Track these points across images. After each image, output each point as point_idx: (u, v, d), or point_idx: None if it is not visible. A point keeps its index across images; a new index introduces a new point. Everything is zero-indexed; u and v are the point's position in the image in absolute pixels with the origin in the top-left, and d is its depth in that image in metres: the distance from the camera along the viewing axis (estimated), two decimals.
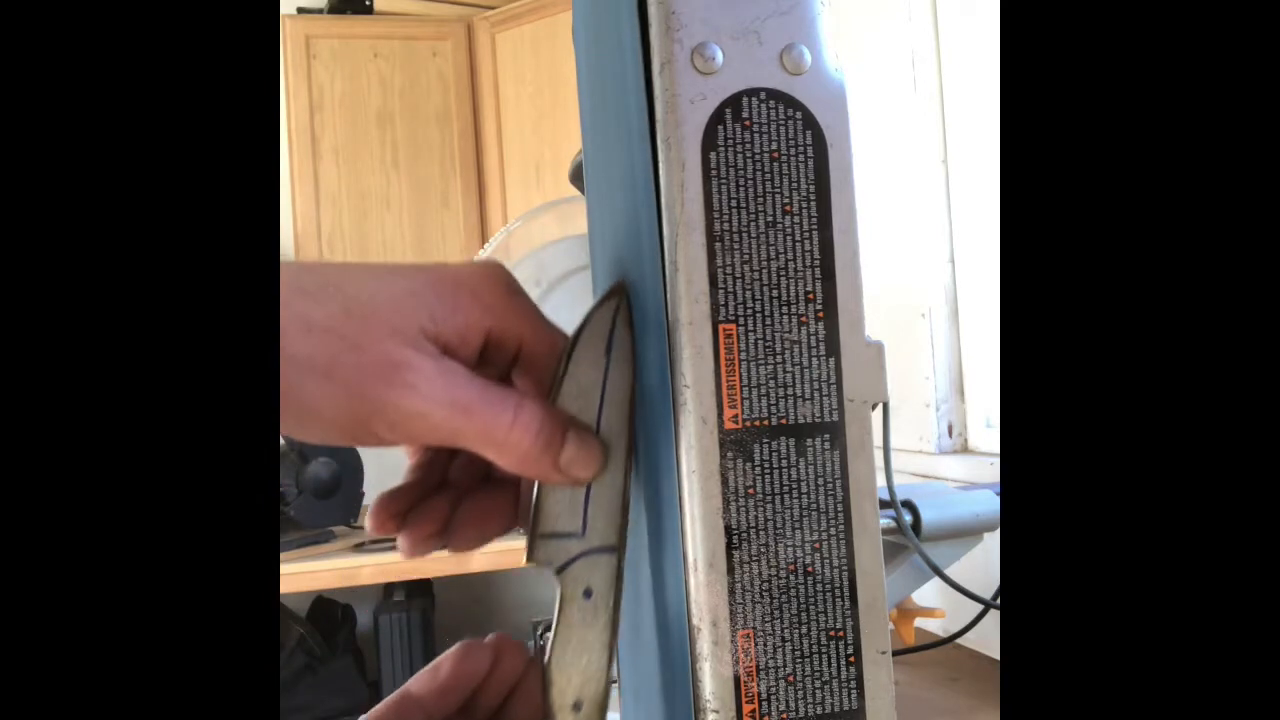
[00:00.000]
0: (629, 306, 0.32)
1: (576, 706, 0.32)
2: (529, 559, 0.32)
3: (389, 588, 2.20)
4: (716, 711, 0.29)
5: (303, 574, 1.87)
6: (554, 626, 0.32)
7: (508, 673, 0.34)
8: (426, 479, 0.35)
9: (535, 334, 0.32)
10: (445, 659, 0.34)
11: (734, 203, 0.29)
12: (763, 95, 0.30)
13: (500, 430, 0.30)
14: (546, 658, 0.32)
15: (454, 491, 0.35)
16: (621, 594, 0.32)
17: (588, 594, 0.32)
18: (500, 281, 0.32)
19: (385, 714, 0.33)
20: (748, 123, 0.29)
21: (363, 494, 2.09)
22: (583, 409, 0.32)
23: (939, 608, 0.85)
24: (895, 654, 0.31)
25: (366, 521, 0.34)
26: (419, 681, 0.34)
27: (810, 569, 0.29)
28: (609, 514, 0.32)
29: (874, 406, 0.30)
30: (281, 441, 1.99)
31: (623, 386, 0.32)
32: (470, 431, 0.30)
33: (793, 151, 0.30)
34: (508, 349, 0.32)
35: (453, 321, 0.30)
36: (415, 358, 0.29)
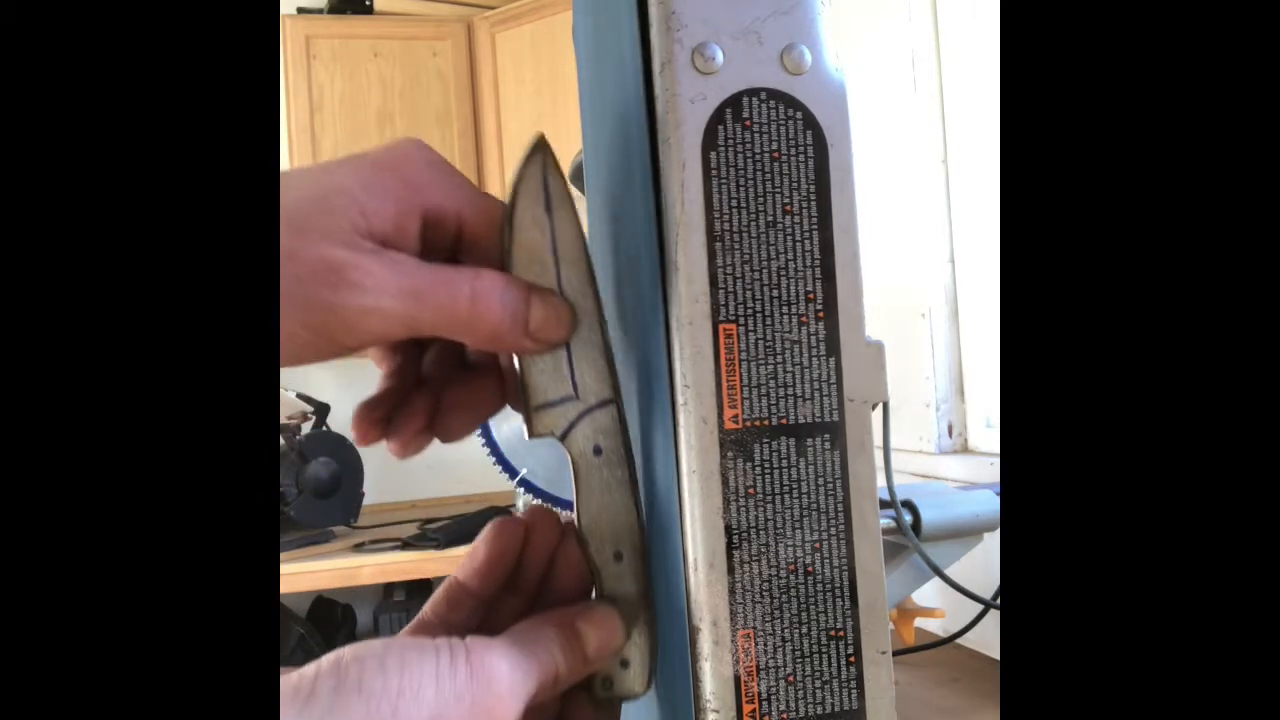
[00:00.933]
0: (553, 156, 0.32)
1: (618, 557, 0.32)
2: (531, 434, 0.32)
3: (389, 588, 2.20)
4: (717, 711, 0.29)
5: (303, 574, 1.87)
6: (575, 493, 0.32)
7: (544, 542, 0.33)
8: (403, 382, 0.34)
9: (473, 207, 0.31)
10: (479, 541, 0.34)
11: (734, 203, 0.29)
12: (763, 95, 0.30)
13: (461, 308, 0.29)
14: (577, 522, 0.32)
15: (433, 385, 0.34)
16: (630, 443, 0.32)
17: (598, 451, 0.32)
18: (423, 158, 0.31)
19: (438, 604, 0.34)
20: (748, 123, 0.29)
21: (363, 494, 2.09)
22: (539, 274, 0.31)
23: (939, 608, 0.85)
24: (895, 654, 0.31)
25: (351, 434, 0.34)
26: (462, 569, 0.34)
27: (810, 569, 0.29)
28: (596, 370, 0.32)
29: (874, 406, 0.30)
30: (281, 442, 1.99)
31: (572, 240, 0.31)
32: (430, 316, 0.29)
33: (793, 151, 0.30)
34: (448, 228, 0.31)
35: (384, 210, 0.29)
36: (352, 256, 0.28)
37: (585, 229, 0.33)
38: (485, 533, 0.34)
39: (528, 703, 0.28)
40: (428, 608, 0.34)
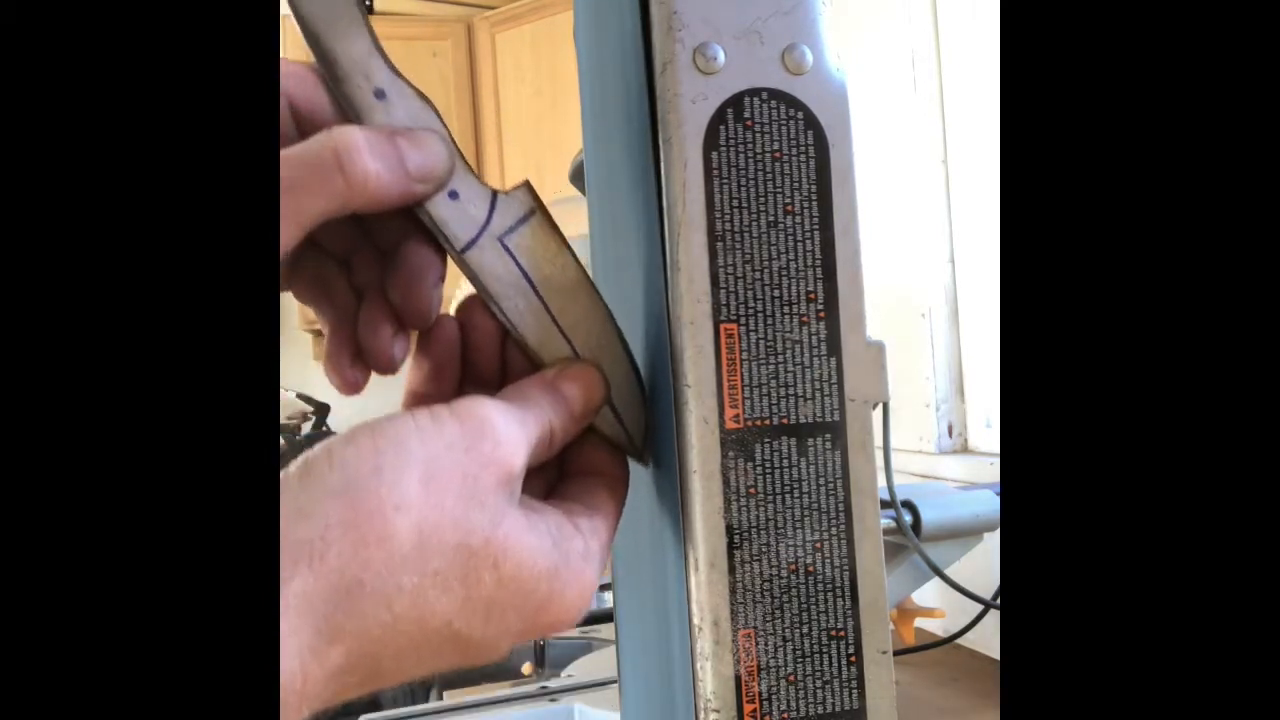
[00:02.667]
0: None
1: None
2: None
3: None
4: (717, 711, 0.29)
5: None
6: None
7: (487, 329, 0.31)
8: (342, 312, 0.32)
9: (293, 79, 0.29)
10: (417, 348, 0.32)
11: (735, 202, 0.29)
12: (764, 95, 0.30)
13: (335, 180, 0.27)
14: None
15: (371, 292, 0.32)
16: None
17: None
18: None
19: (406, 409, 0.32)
20: (749, 122, 0.29)
21: None
22: (547, 341, 0.30)
23: (939, 608, 0.85)
24: (895, 654, 0.31)
25: (336, 387, 0.32)
26: (412, 381, 0.32)
27: (811, 568, 0.29)
28: (482, 195, 0.31)
29: (875, 406, 0.30)
30: (281, 442, 1.99)
31: (560, 282, 0.30)
32: (311, 202, 0.27)
33: (794, 151, 0.30)
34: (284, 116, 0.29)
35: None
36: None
37: (588, 235, 0.32)
38: (419, 338, 0.32)
39: (529, 455, 0.27)
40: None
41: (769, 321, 0.29)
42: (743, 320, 0.29)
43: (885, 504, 0.69)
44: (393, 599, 0.24)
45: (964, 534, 0.73)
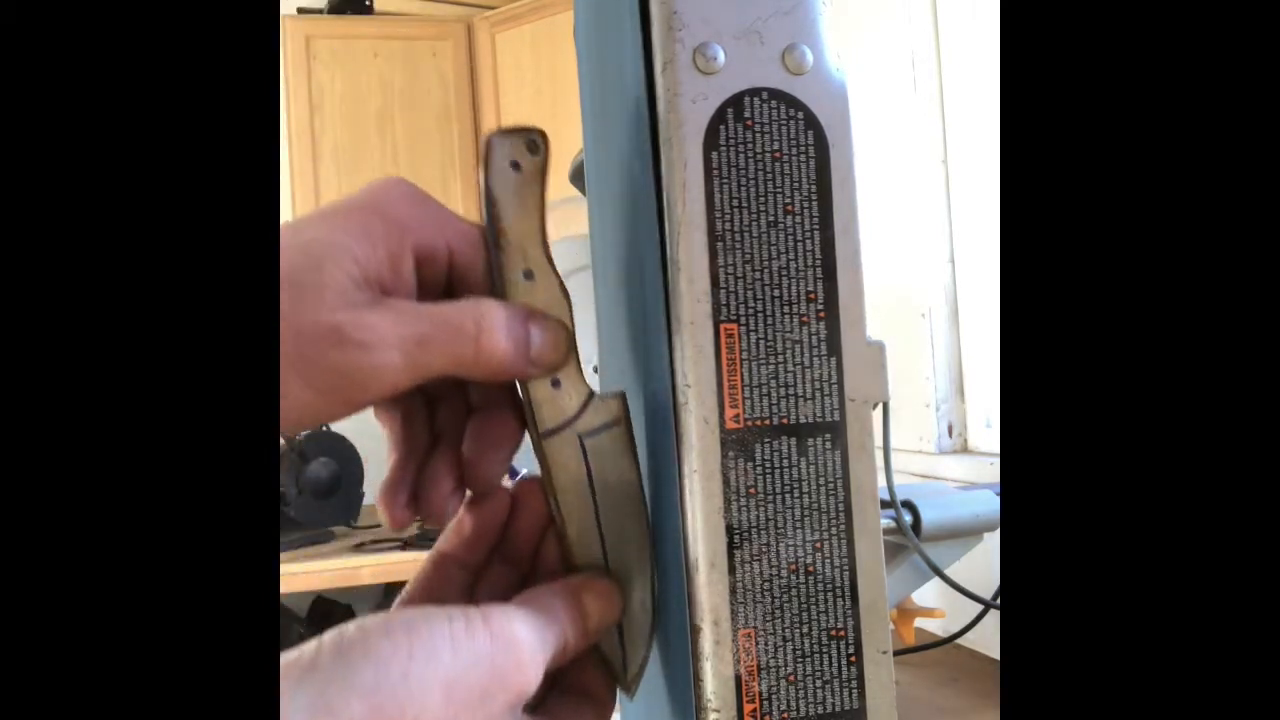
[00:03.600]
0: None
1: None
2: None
3: (389, 588, 2.20)
4: (718, 711, 0.29)
5: (303, 574, 1.87)
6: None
7: (533, 513, 0.32)
8: (414, 447, 0.33)
9: (461, 237, 0.31)
10: (464, 511, 0.33)
11: (735, 202, 0.29)
12: (764, 95, 0.30)
13: (467, 348, 0.29)
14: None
15: (448, 439, 0.33)
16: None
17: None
18: (406, 195, 0.30)
19: (426, 576, 0.33)
20: (749, 122, 0.29)
21: (363, 494, 2.09)
22: (582, 543, 0.31)
23: (939, 608, 0.85)
24: (895, 654, 0.31)
25: (383, 520, 0.33)
26: (447, 541, 0.33)
27: (811, 568, 0.29)
28: (581, 391, 0.32)
29: (874, 406, 0.30)
30: (281, 442, 1.99)
31: (618, 496, 0.31)
32: (438, 361, 0.28)
33: (794, 151, 0.30)
34: (439, 262, 0.31)
35: (377, 255, 0.29)
36: (351, 315, 0.27)
37: (588, 235, 0.33)
38: (469, 502, 0.33)
39: (546, 670, 0.28)
40: (414, 582, 0.33)
41: (769, 321, 0.29)
42: (743, 320, 0.29)
43: (885, 504, 0.69)
44: None
45: (964, 534, 0.73)
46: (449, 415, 0.33)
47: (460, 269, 0.31)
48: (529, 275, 0.31)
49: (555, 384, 0.31)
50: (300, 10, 2.36)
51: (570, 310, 0.32)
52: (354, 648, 0.24)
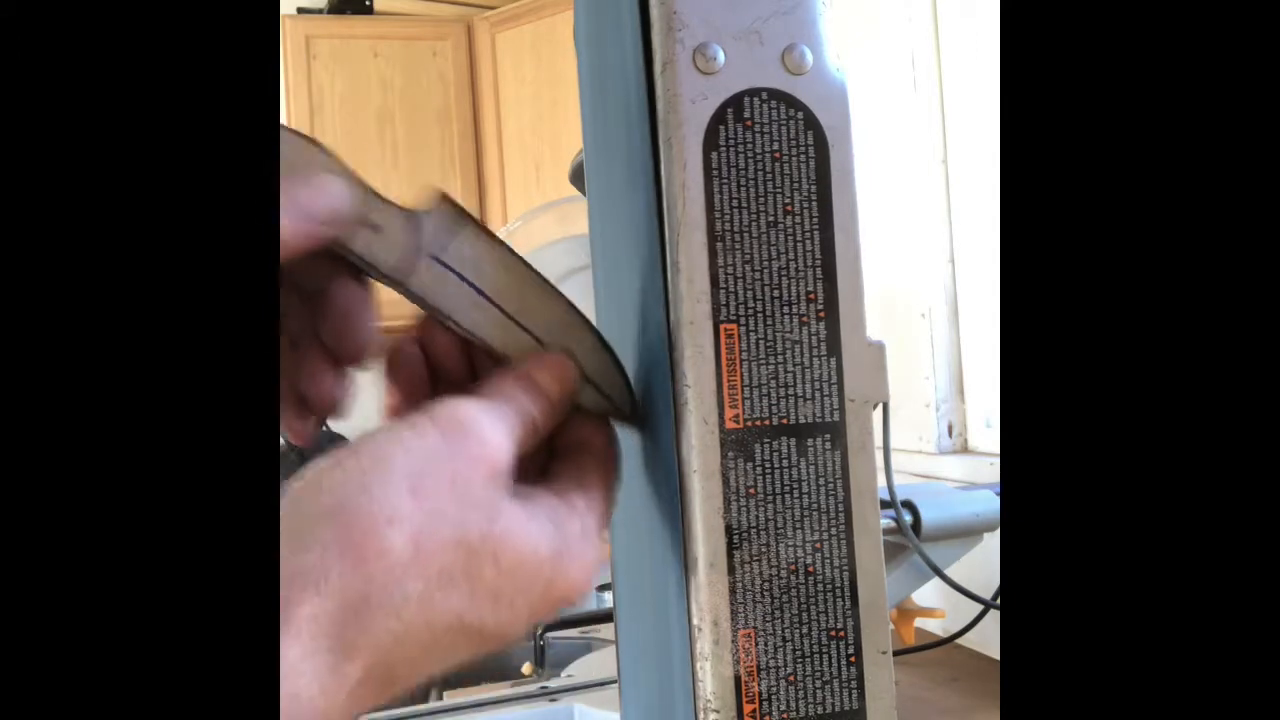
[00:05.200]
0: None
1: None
2: None
3: None
4: (717, 711, 0.29)
5: None
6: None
7: (449, 345, 0.32)
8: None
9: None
10: (384, 375, 0.32)
11: (735, 202, 0.29)
12: (764, 95, 0.30)
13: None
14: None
15: (306, 338, 0.32)
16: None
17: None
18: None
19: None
20: (749, 123, 0.29)
21: None
22: (510, 341, 0.31)
23: (939, 608, 0.85)
24: (895, 654, 0.31)
25: (290, 440, 0.32)
26: (385, 407, 0.32)
27: (811, 569, 0.29)
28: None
29: (874, 406, 0.30)
30: (281, 442, 1.99)
31: (507, 282, 0.31)
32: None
33: (794, 151, 0.30)
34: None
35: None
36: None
37: (588, 235, 0.33)
38: (386, 368, 0.32)
39: (514, 447, 0.27)
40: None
41: (769, 322, 0.29)
42: (742, 320, 0.29)
43: (885, 504, 0.69)
44: (400, 607, 0.24)
45: (964, 534, 0.73)
46: (292, 317, 0.32)
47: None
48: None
49: (375, 229, 0.30)
50: (300, 10, 2.35)
51: (333, 156, 0.31)
52: (307, 488, 0.25)
